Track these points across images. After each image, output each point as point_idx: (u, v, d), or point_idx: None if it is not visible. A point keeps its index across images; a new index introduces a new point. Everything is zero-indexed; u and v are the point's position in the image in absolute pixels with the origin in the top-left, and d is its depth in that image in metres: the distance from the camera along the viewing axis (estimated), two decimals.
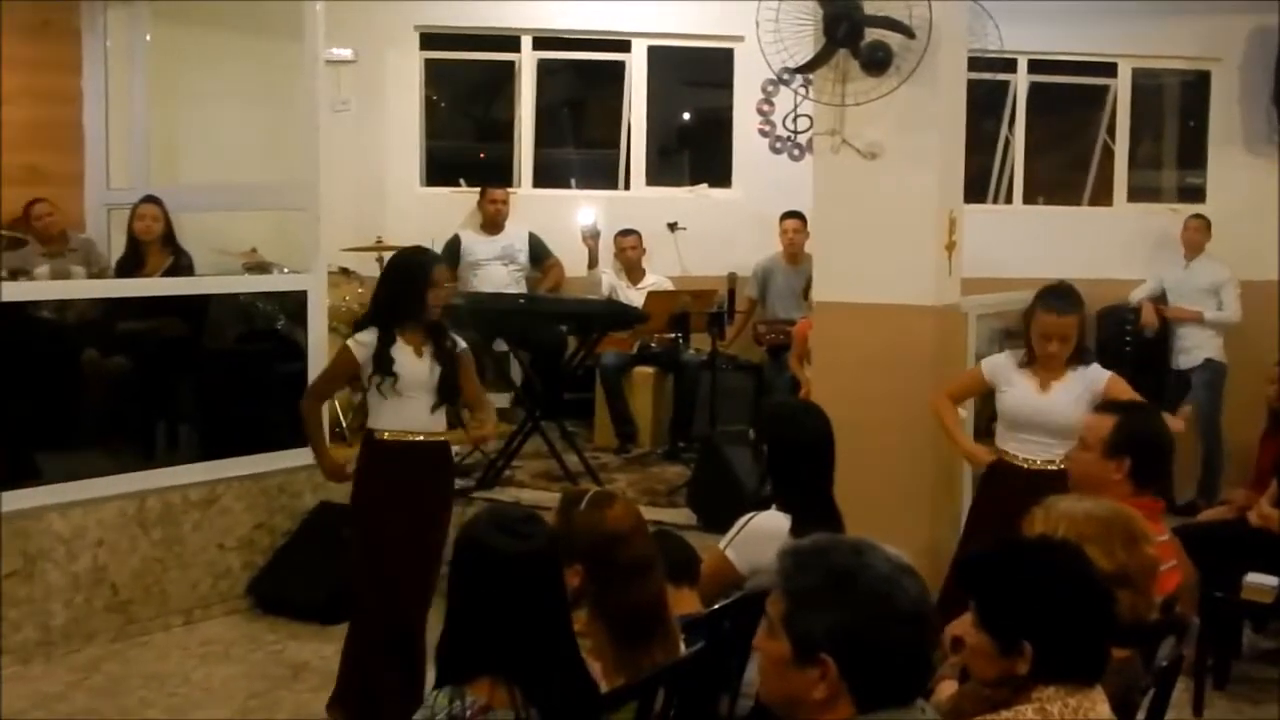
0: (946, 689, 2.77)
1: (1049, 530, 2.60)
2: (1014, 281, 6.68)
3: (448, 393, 4.42)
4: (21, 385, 5.60)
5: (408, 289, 4.36)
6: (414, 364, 4.35)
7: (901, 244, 5.19)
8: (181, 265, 6.64)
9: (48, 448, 5.73)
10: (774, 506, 3.54)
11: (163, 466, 5.89)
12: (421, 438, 4.39)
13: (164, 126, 7.65)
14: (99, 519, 5.45)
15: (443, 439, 4.48)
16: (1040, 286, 4.47)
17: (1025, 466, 4.36)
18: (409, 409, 4.35)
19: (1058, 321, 4.31)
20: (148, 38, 7.57)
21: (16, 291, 6.04)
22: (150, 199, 6.74)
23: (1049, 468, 4.28)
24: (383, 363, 4.30)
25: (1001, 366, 4.51)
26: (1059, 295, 4.38)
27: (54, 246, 6.97)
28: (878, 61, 5.10)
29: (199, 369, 6.40)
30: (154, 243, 6.64)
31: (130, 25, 7.62)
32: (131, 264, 6.68)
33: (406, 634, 4.39)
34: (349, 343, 4.40)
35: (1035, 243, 7.88)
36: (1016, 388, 4.41)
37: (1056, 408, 4.31)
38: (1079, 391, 4.33)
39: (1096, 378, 4.37)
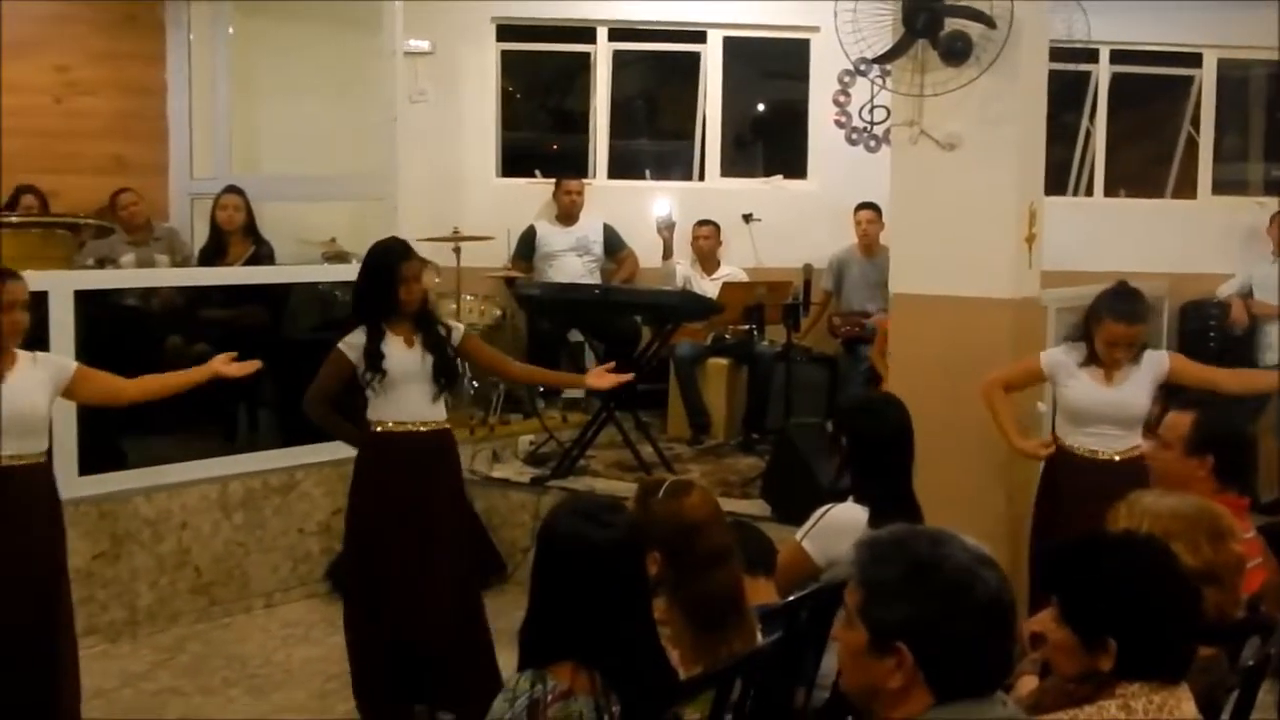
0: (1027, 684, 2.75)
1: (1133, 526, 2.57)
2: (1094, 275, 6.58)
3: (445, 380, 4.38)
4: (110, 372, 5.71)
5: (379, 286, 4.31)
6: (404, 355, 4.30)
7: (980, 236, 5.14)
8: (262, 254, 6.75)
9: (133, 433, 5.86)
10: (851, 499, 3.54)
11: (244, 452, 6.01)
12: (421, 428, 4.35)
13: (246, 117, 7.78)
14: (183, 503, 5.57)
15: (444, 427, 4.44)
16: (1106, 288, 4.37)
17: (1093, 458, 4.32)
18: (406, 400, 4.31)
19: (1127, 331, 4.25)
20: (230, 30, 7.70)
21: (103, 279, 6.19)
22: (232, 189, 6.87)
23: (1117, 459, 4.26)
24: (372, 359, 4.26)
25: (1061, 362, 4.44)
26: (1128, 302, 4.29)
27: (139, 235, 7.12)
28: (957, 52, 5.05)
29: (279, 356, 6.50)
30: (236, 232, 6.76)
31: (213, 18, 7.75)
32: (214, 253, 6.81)
33: (400, 630, 4.32)
34: (340, 345, 4.33)
35: (1116, 236, 7.78)
36: (1080, 381, 4.36)
37: (1127, 398, 4.29)
38: (1146, 379, 4.31)
39: (1159, 361, 4.36)
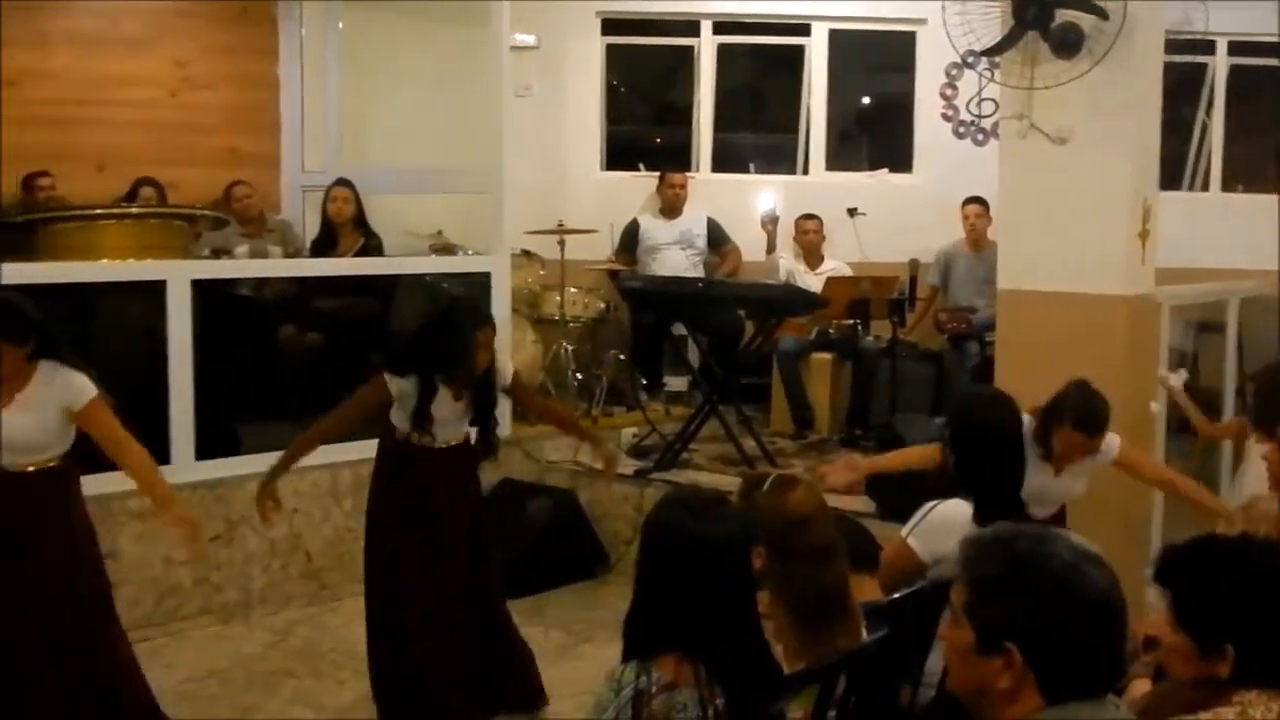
0: (1139, 688, 2.71)
1: (1250, 530, 2.52)
2: (1210, 272, 6.48)
3: (482, 423, 4.32)
4: (223, 360, 5.87)
5: (447, 346, 4.17)
6: (450, 407, 4.22)
7: (1092, 231, 5.06)
8: (371, 246, 6.86)
9: (247, 419, 6.00)
10: (957, 496, 3.50)
11: (355, 440, 6.10)
12: (444, 444, 4.30)
13: (355, 111, 7.92)
14: (295, 489, 5.68)
15: (464, 441, 4.36)
16: (1072, 383, 4.08)
17: None
18: (437, 429, 4.25)
19: (1088, 444, 4.03)
20: (340, 25, 7.84)
21: (219, 269, 6.35)
22: (343, 182, 6.99)
23: None
24: (421, 419, 4.17)
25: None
26: (1094, 414, 4.02)
27: (252, 227, 7.28)
28: (1069, 44, 4.97)
29: (388, 346, 6.61)
30: (346, 224, 6.89)
31: (324, 13, 7.90)
32: (325, 244, 6.94)
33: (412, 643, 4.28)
34: (388, 380, 4.19)
35: (1232, 232, 7.58)
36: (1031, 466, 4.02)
37: (1070, 486, 4.17)
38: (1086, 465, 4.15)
39: (1108, 448, 4.14)
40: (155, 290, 5.45)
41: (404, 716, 4.30)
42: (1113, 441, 4.14)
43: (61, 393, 3.73)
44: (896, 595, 3.20)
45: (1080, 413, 3.97)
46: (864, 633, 2.83)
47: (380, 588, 4.36)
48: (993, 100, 6.83)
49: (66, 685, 3.81)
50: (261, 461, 5.58)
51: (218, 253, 6.80)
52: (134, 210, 6.43)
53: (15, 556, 3.73)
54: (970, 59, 5.74)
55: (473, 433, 4.38)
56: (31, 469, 3.75)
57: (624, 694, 2.32)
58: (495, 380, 4.34)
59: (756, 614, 2.48)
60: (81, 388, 3.75)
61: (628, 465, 6.49)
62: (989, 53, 5.25)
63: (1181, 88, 7.50)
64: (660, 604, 2.40)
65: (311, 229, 7.42)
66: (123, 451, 3.88)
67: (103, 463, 3.97)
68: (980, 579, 1.89)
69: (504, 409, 4.51)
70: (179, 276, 5.49)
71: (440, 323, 4.29)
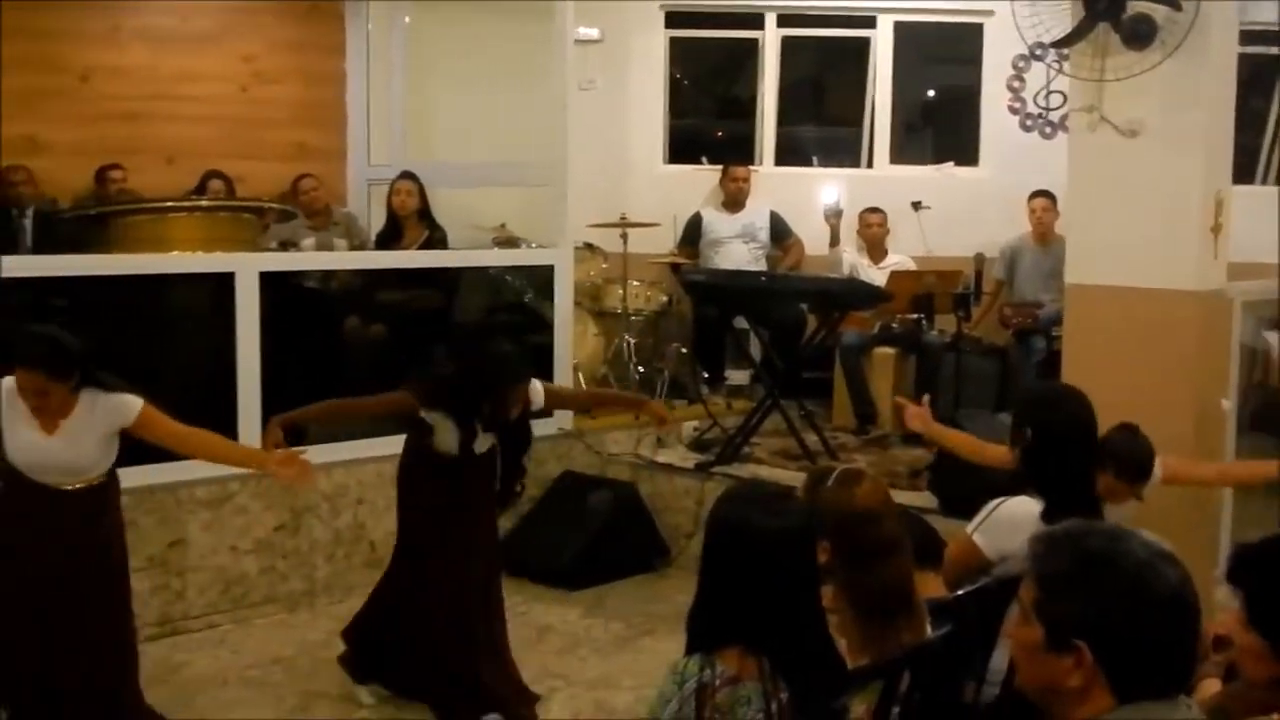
0: (1209, 688, 2.66)
1: None
2: None
3: (506, 469, 4.44)
4: (289, 351, 5.94)
5: (482, 394, 4.26)
6: (481, 437, 4.34)
7: (1163, 225, 4.98)
8: (436, 239, 6.91)
9: None
10: (1025, 493, 3.47)
11: None
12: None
13: (421, 105, 7.98)
14: (359, 479, 5.75)
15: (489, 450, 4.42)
16: (1118, 428, 3.86)
17: None
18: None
19: (1130, 491, 3.83)
20: (407, 20, 7.90)
21: (286, 261, 6.43)
22: (407, 175, 7.04)
23: None
24: (466, 451, 4.30)
25: None
26: (1136, 465, 3.83)
27: (319, 220, 7.36)
28: (1141, 35, 4.90)
29: (451, 338, 6.66)
30: (410, 217, 6.94)
31: (390, 9, 7.97)
32: (390, 237, 7.00)
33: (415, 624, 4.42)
34: (422, 412, 4.30)
35: None
36: None
37: None
38: None
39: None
40: (224, 282, 5.52)
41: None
42: (1155, 471, 3.96)
43: (109, 417, 3.83)
44: (961, 592, 3.18)
45: (1124, 461, 3.81)
46: (928, 629, 2.81)
47: (406, 573, 4.51)
48: (1061, 92, 6.74)
49: (77, 685, 3.88)
50: (326, 452, 5.70)
51: (285, 245, 6.89)
52: (204, 203, 6.53)
53: (54, 566, 3.83)
54: (1039, 51, 5.68)
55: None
56: (79, 486, 3.86)
57: (687, 686, 2.33)
58: (527, 426, 4.45)
59: (821, 609, 2.47)
60: (129, 404, 3.84)
61: (688, 459, 6.49)
62: (1059, 44, 5.18)
63: (1255, 79, 7.37)
64: (724, 597, 2.40)
65: (377, 222, 7.49)
66: (187, 443, 4.00)
67: (169, 453, 4.06)
68: (1050, 576, 1.86)
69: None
70: (247, 269, 5.56)
71: (473, 375, 4.34)
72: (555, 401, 4.74)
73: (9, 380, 3.79)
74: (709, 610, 2.43)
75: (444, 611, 4.38)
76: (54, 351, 3.73)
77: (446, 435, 4.32)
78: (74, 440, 3.79)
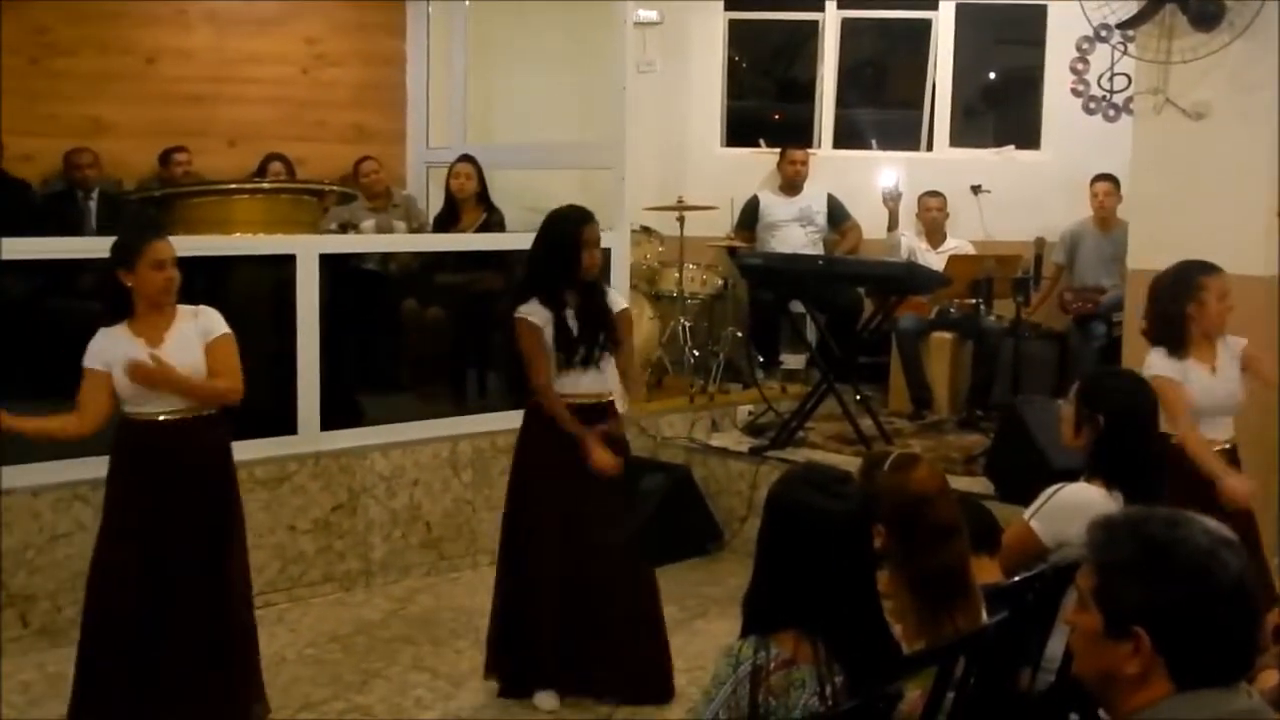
0: (1268, 679, 2.64)
1: None
2: None
3: (587, 350, 4.24)
4: (349, 332, 5.99)
5: (560, 253, 4.22)
6: (579, 328, 4.24)
7: (1229, 209, 4.92)
8: (493, 221, 6.93)
9: (371, 391, 6.13)
10: (1083, 478, 3.43)
11: (474, 413, 6.20)
12: (581, 400, 4.29)
13: (480, 87, 8.00)
14: (416, 460, 5.79)
15: (603, 400, 4.33)
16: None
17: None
18: (572, 374, 4.26)
19: (1218, 279, 4.08)
20: (467, 3, 7.92)
21: (345, 244, 6.48)
22: (466, 158, 7.06)
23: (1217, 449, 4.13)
24: (563, 336, 4.20)
25: (1174, 369, 4.10)
26: (1209, 263, 4.12)
27: (379, 202, 7.40)
28: (1209, 16, 4.84)
29: (505, 319, 6.68)
30: (469, 199, 6.96)
31: None
32: (448, 219, 7.04)
33: (554, 599, 4.32)
34: (525, 319, 4.22)
35: None
36: (1197, 379, 4.10)
37: (1228, 383, 4.16)
38: (1231, 360, 4.17)
39: (1234, 343, 4.18)
40: (285, 263, 5.57)
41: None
42: (1234, 339, 4.19)
43: (207, 323, 3.97)
44: (1018, 578, 3.15)
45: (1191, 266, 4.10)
46: (984, 615, 2.80)
47: (520, 544, 4.41)
48: (1125, 75, 6.63)
49: (202, 650, 3.96)
50: (383, 433, 5.76)
51: (344, 227, 6.95)
52: (265, 185, 6.59)
53: (175, 512, 3.90)
54: (1104, 32, 5.61)
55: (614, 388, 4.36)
56: (191, 416, 3.91)
57: (742, 669, 2.33)
58: (605, 295, 4.34)
59: (876, 593, 2.46)
60: (220, 318, 4.00)
61: (742, 442, 6.48)
62: (1125, 25, 5.13)
63: None
64: (781, 580, 2.40)
65: (435, 204, 7.52)
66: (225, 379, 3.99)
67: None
68: (1110, 563, 1.85)
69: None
70: (308, 250, 5.61)
71: (545, 229, 4.35)
72: (620, 329, 4.43)
73: (100, 335, 3.88)
74: (765, 593, 2.43)
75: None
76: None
77: (548, 339, 4.22)
78: (184, 344, 3.88)
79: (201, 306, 4.01)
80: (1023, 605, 2.98)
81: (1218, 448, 4.14)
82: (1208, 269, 4.12)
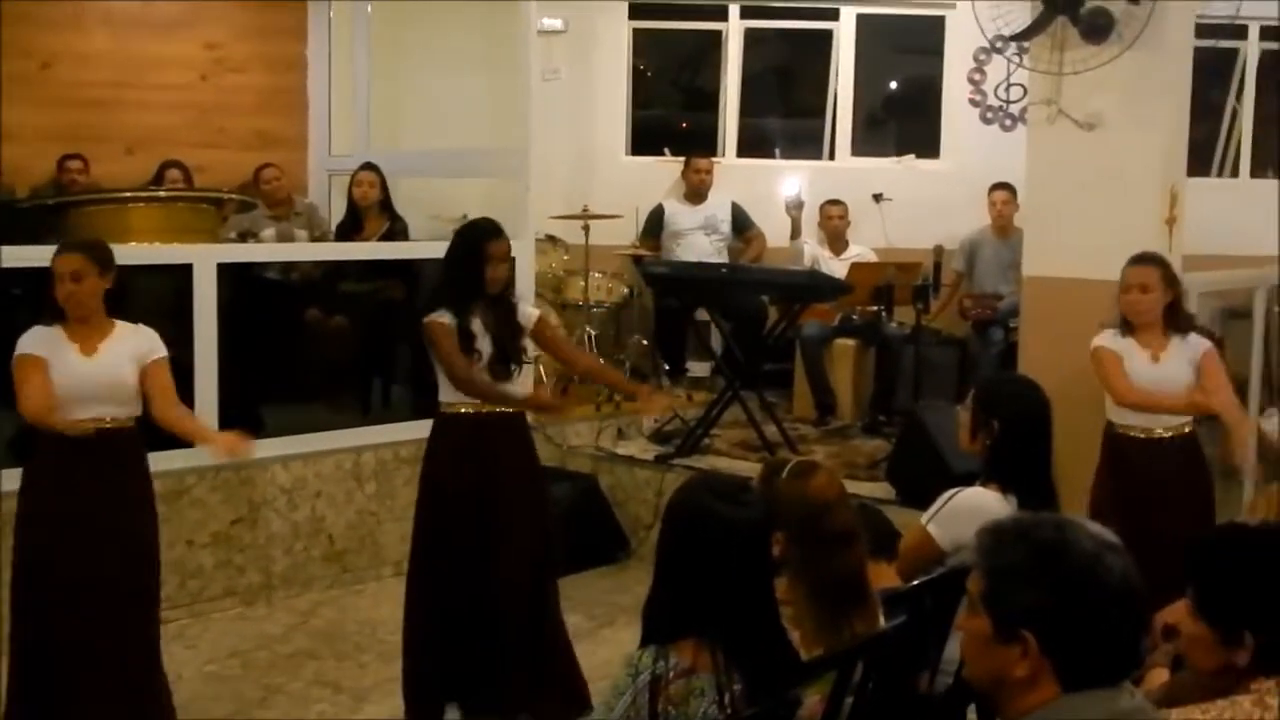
0: (1157, 677, 2.70)
1: (1273, 516, 2.50)
2: (1239, 259, 6.41)
3: (503, 366, 4.19)
4: (249, 342, 5.90)
5: (467, 266, 4.20)
6: (484, 339, 4.19)
7: (1119, 218, 5.03)
8: (396, 230, 6.87)
9: (273, 402, 6.03)
10: (978, 483, 3.49)
11: (378, 423, 6.14)
12: (492, 409, 4.23)
13: (384, 94, 7.92)
14: (318, 471, 5.72)
15: (514, 411, 4.30)
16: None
17: (1143, 437, 4.36)
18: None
19: (1136, 270, 4.33)
20: (369, 9, 7.84)
21: (244, 253, 6.38)
22: (368, 166, 6.99)
23: (1165, 435, 4.33)
24: (465, 341, 4.14)
25: (1117, 344, 4.39)
26: (1139, 256, 4.41)
27: (280, 210, 7.30)
28: (1099, 28, 4.94)
29: (412, 330, 6.62)
30: (371, 208, 6.89)
31: None
32: (350, 228, 6.96)
33: (460, 620, 4.23)
34: (436, 321, 4.15)
35: (1262, 219, 7.50)
36: (1133, 360, 4.34)
37: (1170, 375, 4.31)
38: (1186, 358, 4.34)
39: (1196, 346, 4.36)
40: (182, 273, 5.47)
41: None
42: (1200, 341, 4.38)
43: (144, 343, 3.95)
44: (916, 582, 3.20)
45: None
46: (882, 620, 2.83)
47: (427, 562, 4.32)
48: (1021, 85, 6.78)
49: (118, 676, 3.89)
50: (285, 444, 5.68)
51: (244, 235, 6.83)
52: (162, 194, 6.47)
53: (99, 523, 3.84)
54: (999, 44, 5.71)
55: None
56: (110, 425, 3.85)
57: (641, 678, 2.33)
58: (514, 308, 4.29)
59: (774, 600, 2.48)
60: (158, 341, 4.00)
61: (648, 450, 6.50)
62: (1018, 38, 5.22)
63: (1212, 72, 7.43)
64: (680, 588, 2.41)
65: (338, 212, 7.43)
66: (173, 405, 3.99)
67: None
68: (998, 568, 1.88)
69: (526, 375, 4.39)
70: (205, 260, 5.51)
71: (453, 242, 4.36)
72: (548, 341, 4.53)
73: (36, 329, 3.84)
74: (664, 602, 2.43)
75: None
76: (96, 244, 3.96)
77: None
78: (115, 361, 3.85)
79: (141, 326, 3.99)
80: (920, 609, 3.02)
81: (1136, 433, 4.35)
82: (1133, 260, 4.38)
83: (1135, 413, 4.36)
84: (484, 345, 4.19)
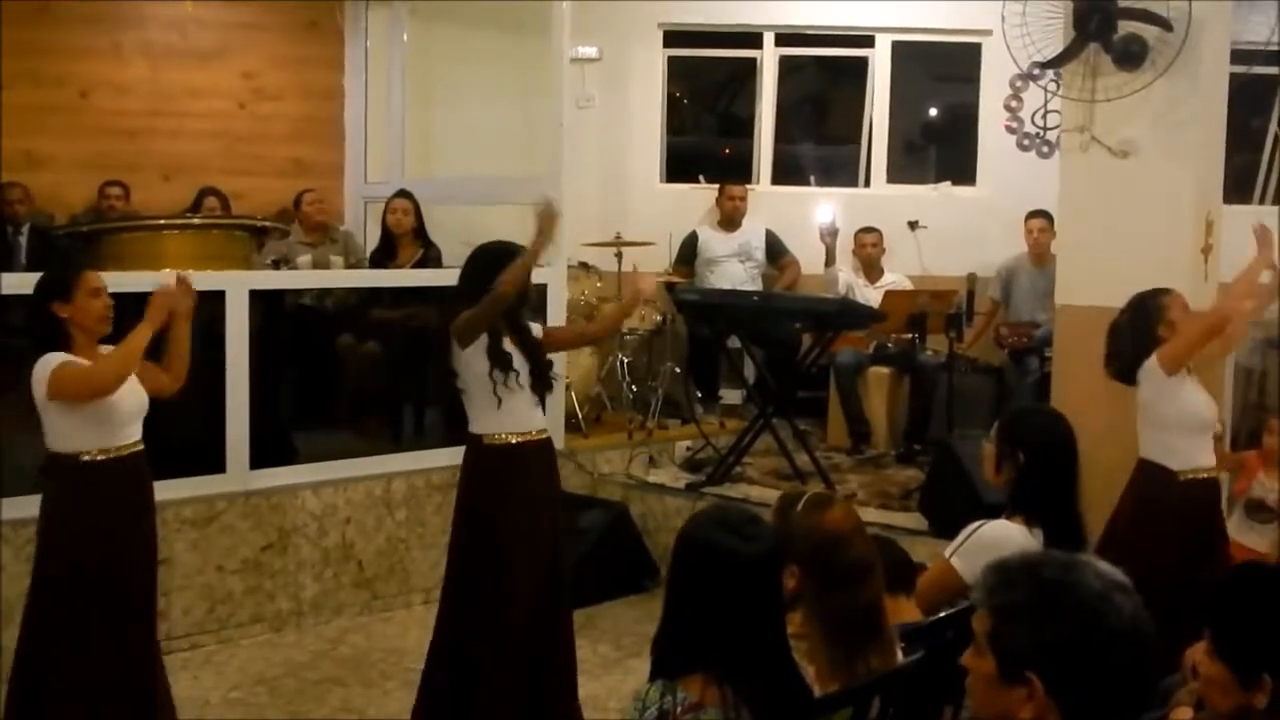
0: (1181, 714, 2.64)
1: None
2: None
3: (541, 383, 4.20)
4: (281, 369, 5.93)
5: (482, 278, 4.15)
6: (517, 358, 4.16)
7: (1153, 246, 4.97)
8: (430, 257, 6.90)
9: (305, 428, 6.07)
10: (1004, 515, 3.44)
11: (409, 450, 6.15)
12: (531, 435, 4.21)
13: (419, 122, 7.98)
14: (348, 498, 5.73)
15: (546, 436, 4.29)
16: None
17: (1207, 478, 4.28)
18: (518, 407, 4.17)
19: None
20: (405, 37, 7.91)
21: (277, 280, 6.43)
22: (403, 193, 7.04)
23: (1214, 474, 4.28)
24: (501, 359, 4.09)
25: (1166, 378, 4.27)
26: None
27: (316, 236, 7.36)
28: (1131, 55, 4.91)
29: (445, 357, 6.64)
30: (405, 235, 6.93)
31: (390, 25, 7.99)
32: (384, 255, 7.00)
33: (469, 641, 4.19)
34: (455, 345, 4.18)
35: None
36: (1190, 386, 4.28)
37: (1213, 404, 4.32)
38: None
39: None
40: (214, 299, 5.51)
41: None
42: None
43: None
44: (940, 615, 3.15)
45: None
46: (899, 654, 2.78)
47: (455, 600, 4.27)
48: (1057, 112, 6.71)
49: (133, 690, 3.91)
50: (315, 471, 5.70)
51: (278, 263, 6.89)
52: (195, 221, 6.54)
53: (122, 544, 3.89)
54: (1034, 71, 5.67)
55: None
56: (128, 452, 3.88)
57: (648, 714, 2.30)
58: (530, 330, 4.27)
59: (785, 635, 2.44)
60: None
61: (680, 479, 6.46)
62: (1049, 65, 5.19)
63: (1252, 98, 7.34)
64: (689, 622, 2.38)
65: (373, 239, 7.48)
66: (159, 375, 4.08)
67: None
68: (1004, 606, 1.84)
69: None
70: (237, 287, 5.56)
71: (469, 259, 4.35)
72: (556, 339, 4.53)
73: (53, 355, 3.80)
74: (673, 635, 2.40)
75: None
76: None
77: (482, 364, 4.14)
78: (133, 383, 3.88)
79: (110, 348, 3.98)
80: (941, 643, 2.98)
81: (1204, 475, 4.24)
82: (1164, 291, 4.31)
83: (1206, 451, 4.25)
84: (520, 365, 4.16)
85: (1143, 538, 4.18)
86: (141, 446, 3.94)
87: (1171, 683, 2.91)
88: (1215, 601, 2.20)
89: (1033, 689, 1.78)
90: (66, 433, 3.80)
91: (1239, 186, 7.18)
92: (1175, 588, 3.25)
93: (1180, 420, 4.25)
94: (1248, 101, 6.98)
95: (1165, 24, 4.81)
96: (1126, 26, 4.87)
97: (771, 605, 2.41)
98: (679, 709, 2.30)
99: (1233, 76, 5.22)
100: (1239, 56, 5.33)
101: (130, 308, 4.96)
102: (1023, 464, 3.43)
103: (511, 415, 4.17)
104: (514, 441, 4.19)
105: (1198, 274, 4.97)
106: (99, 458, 3.81)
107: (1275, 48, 6.84)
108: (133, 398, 3.88)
